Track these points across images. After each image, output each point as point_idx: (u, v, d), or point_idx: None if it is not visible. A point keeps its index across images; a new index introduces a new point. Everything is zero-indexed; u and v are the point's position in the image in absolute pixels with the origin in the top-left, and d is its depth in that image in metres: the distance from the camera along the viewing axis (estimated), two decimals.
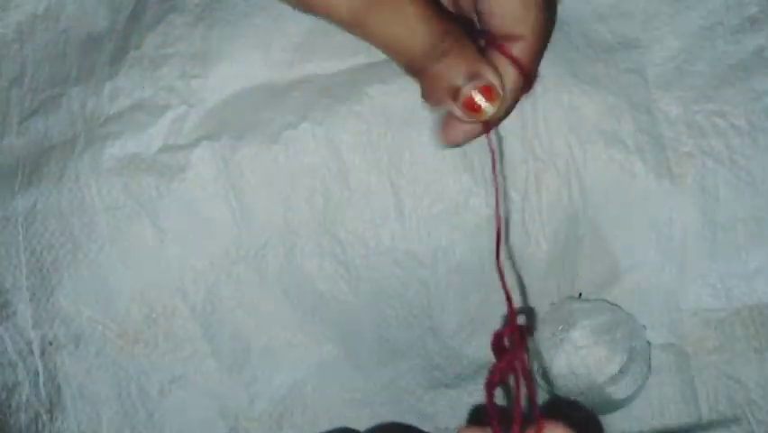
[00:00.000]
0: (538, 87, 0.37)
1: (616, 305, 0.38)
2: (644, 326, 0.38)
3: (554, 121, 0.37)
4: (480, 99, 0.30)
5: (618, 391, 0.37)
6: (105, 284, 0.38)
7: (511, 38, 0.32)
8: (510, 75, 0.32)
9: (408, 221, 0.37)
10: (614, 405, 0.37)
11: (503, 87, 0.31)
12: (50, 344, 0.38)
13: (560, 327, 0.38)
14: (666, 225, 0.37)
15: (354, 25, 0.30)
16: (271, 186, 0.38)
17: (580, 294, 0.38)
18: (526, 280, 0.38)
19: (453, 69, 0.30)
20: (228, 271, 0.38)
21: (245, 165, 0.38)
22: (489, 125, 0.32)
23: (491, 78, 0.30)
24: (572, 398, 0.37)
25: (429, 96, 0.31)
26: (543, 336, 0.38)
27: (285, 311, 0.39)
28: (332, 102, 0.37)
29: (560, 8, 0.38)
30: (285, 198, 0.38)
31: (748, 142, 0.37)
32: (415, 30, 0.30)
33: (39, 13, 0.40)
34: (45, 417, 0.38)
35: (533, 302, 0.39)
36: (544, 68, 0.37)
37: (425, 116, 0.36)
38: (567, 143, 0.37)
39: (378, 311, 0.39)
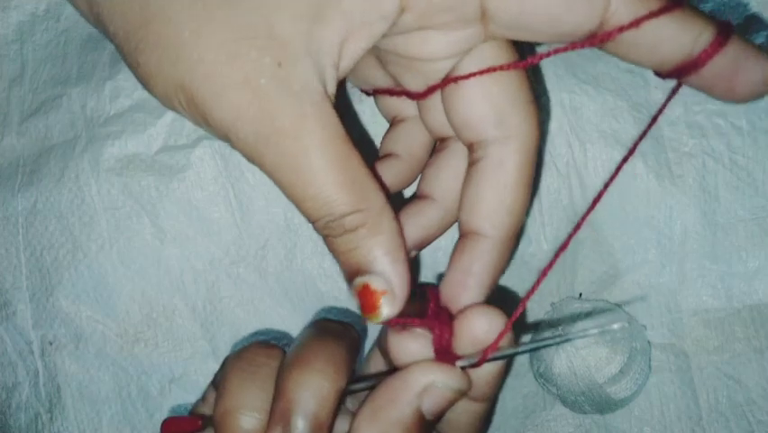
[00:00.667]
0: (539, 86, 0.37)
1: (616, 305, 0.38)
2: (644, 326, 0.38)
3: (554, 121, 0.37)
4: (377, 299, 0.26)
5: (618, 391, 0.37)
6: (105, 284, 0.38)
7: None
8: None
9: None
10: (614, 405, 0.37)
11: (401, 289, 0.26)
12: (50, 344, 0.38)
13: (560, 327, 0.38)
14: (666, 226, 0.37)
15: (256, 157, 0.26)
16: (271, 186, 0.37)
17: (581, 294, 0.38)
18: (527, 280, 0.38)
19: (354, 253, 0.26)
20: (228, 271, 0.38)
21: (245, 165, 0.38)
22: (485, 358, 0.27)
23: (381, 282, 0.26)
24: (573, 398, 0.37)
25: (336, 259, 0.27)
26: (543, 335, 0.38)
27: (285, 311, 0.39)
28: None
29: None
30: (285, 198, 0.38)
31: (748, 143, 0.37)
32: (324, 188, 0.25)
33: (39, 13, 0.40)
34: (45, 417, 0.38)
35: (533, 302, 0.39)
36: (545, 67, 0.37)
37: None
38: (567, 143, 0.37)
39: None
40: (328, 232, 0.26)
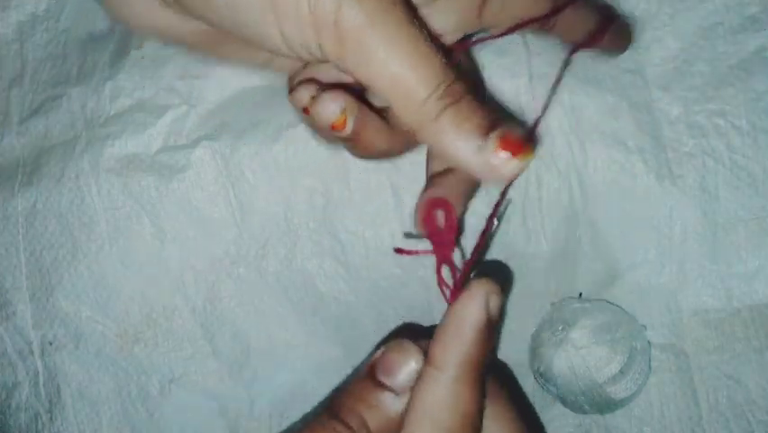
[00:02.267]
0: (539, 86, 0.37)
1: (616, 305, 0.38)
2: (644, 326, 0.38)
3: (554, 121, 0.37)
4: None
5: (618, 391, 0.37)
6: (104, 284, 0.38)
7: None
8: None
9: (408, 221, 0.37)
10: (614, 405, 0.37)
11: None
12: (50, 344, 0.38)
13: (560, 327, 0.38)
14: (666, 226, 0.37)
15: (341, 56, 0.24)
16: (272, 186, 0.38)
17: (581, 294, 0.38)
18: (526, 280, 0.38)
19: (478, 113, 0.25)
20: (228, 271, 0.38)
21: (245, 165, 0.38)
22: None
23: (515, 125, 0.25)
24: (573, 398, 0.37)
25: (437, 149, 0.26)
26: (543, 335, 0.38)
27: (285, 311, 0.39)
28: None
29: None
30: (285, 197, 0.38)
31: (748, 143, 0.37)
32: (425, 65, 0.24)
33: (39, 13, 0.40)
34: (45, 417, 0.38)
35: (533, 302, 0.39)
36: (545, 67, 0.37)
37: None
38: (567, 143, 0.37)
39: (378, 311, 0.39)
40: (446, 101, 0.25)
